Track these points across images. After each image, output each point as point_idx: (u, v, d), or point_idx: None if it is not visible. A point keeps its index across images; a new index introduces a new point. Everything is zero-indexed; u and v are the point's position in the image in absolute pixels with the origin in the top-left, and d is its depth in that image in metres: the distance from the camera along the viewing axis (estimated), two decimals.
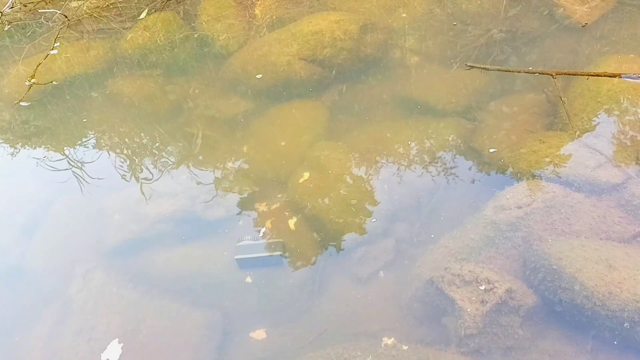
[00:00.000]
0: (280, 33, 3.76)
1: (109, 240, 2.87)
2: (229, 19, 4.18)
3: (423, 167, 3.00)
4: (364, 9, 3.99)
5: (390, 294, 2.53)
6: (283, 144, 3.27)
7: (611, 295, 1.99)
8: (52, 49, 3.99)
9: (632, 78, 2.77)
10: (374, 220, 2.76)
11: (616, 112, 2.77)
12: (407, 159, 3.06)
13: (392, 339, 2.28)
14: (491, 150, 2.88)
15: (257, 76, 3.57)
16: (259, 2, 4.17)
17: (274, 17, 4.09)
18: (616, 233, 2.31)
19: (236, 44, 3.97)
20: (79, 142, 3.66)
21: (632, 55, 3.17)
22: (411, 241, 2.69)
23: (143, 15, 4.20)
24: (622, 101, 2.80)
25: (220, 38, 4.02)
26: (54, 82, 3.82)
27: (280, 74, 3.57)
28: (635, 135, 2.67)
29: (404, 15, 3.87)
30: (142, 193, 3.12)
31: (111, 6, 4.41)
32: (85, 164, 3.46)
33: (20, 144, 3.71)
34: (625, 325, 1.98)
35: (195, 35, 4.14)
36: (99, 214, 3.04)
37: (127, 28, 4.22)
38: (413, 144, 3.13)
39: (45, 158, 3.53)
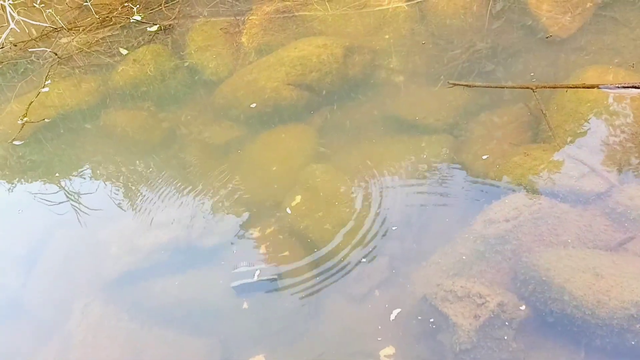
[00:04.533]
0: (267, 59, 3.83)
1: (106, 273, 2.91)
2: (217, 47, 4.27)
3: (412, 184, 3.05)
4: (348, 32, 4.07)
5: (386, 312, 2.57)
6: (274, 168, 3.32)
7: (600, 304, 2.03)
8: (43, 87, 4.06)
9: (610, 88, 2.85)
10: (367, 239, 2.80)
11: (597, 123, 2.84)
12: (396, 177, 3.12)
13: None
14: (484, 157, 2.93)
15: (251, 105, 3.63)
16: (245, 31, 4.26)
17: (261, 43, 4.18)
18: (602, 241, 2.36)
19: (225, 71, 4.04)
20: (74, 175, 3.70)
21: (610, 66, 3.25)
22: (404, 259, 2.73)
23: (124, 52, 4.28)
24: (602, 111, 2.87)
25: (209, 66, 4.10)
26: (46, 120, 3.88)
27: (269, 99, 3.63)
28: (616, 144, 2.74)
29: (387, 36, 3.96)
30: (138, 224, 3.16)
31: (101, 41, 4.50)
32: (80, 197, 3.50)
33: (16, 179, 3.75)
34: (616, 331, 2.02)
35: (185, 64, 4.22)
36: (95, 247, 3.08)
37: (117, 61, 4.30)
38: (401, 162, 3.19)
39: (41, 192, 3.58)
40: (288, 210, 2.96)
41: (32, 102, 3.91)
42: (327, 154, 3.36)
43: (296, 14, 4.35)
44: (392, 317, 2.47)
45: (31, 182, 3.71)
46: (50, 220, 3.39)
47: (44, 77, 4.15)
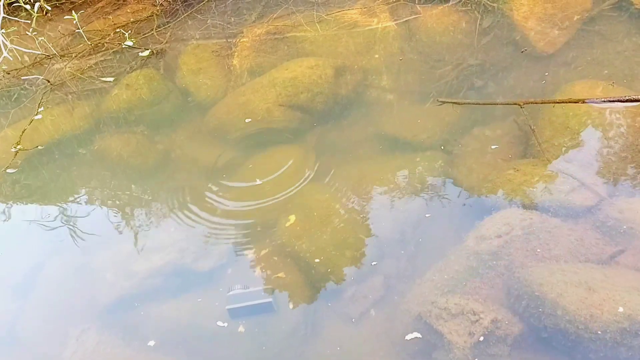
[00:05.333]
0: (258, 81, 3.88)
1: (101, 300, 2.90)
2: (209, 70, 4.31)
3: (405, 202, 3.07)
4: (339, 52, 4.13)
5: (382, 332, 2.56)
6: (268, 188, 3.33)
7: (592, 318, 2.04)
8: (35, 114, 4.08)
9: (596, 102, 2.89)
10: (362, 258, 2.81)
11: (585, 137, 2.87)
12: (389, 195, 3.14)
13: None
14: (474, 172, 2.96)
15: (246, 120, 3.65)
16: (236, 53, 4.31)
17: (253, 65, 4.22)
18: (594, 255, 2.37)
19: (218, 93, 4.08)
20: (69, 200, 3.71)
21: (597, 80, 3.29)
22: (399, 277, 2.74)
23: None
24: (590, 125, 2.90)
25: (202, 88, 4.14)
26: (39, 147, 3.90)
27: (262, 120, 3.66)
28: (605, 158, 2.77)
29: (377, 55, 4.01)
30: (133, 249, 3.17)
31: (93, 66, 4.54)
32: (76, 222, 3.50)
33: (10, 206, 3.75)
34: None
35: (178, 88, 4.25)
36: (90, 274, 3.07)
37: (110, 86, 4.34)
38: (394, 180, 3.21)
39: (35, 219, 3.58)
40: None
41: (25, 130, 3.94)
42: (320, 173, 3.38)
43: (287, 35, 4.41)
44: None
45: (25, 208, 3.72)
46: (45, 247, 3.39)
47: (37, 104, 4.18)
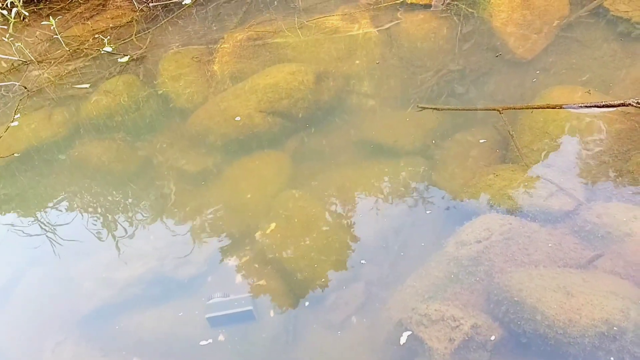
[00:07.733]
0: (239, 87, 3.85)
1: (79, 310, 2.85)
2: (190, 76, 4.28)
3: (387, 208, 3.07)
4: (320, 58, 4.12)
5: (363, 339, 2.55)
6: (249, 196, 3.31)
7: (571, 323, 2.05)
8: (12, 121, 4.02)
9: (573, 108, 2.92)
10: (343, 264, 2.80)
11: (564, 142, 2.90)
12: (371, 201, 3.13)
13: None
14: (454, 178, 2.97)
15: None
16: (217, 59, 4.28)
17: (233, 71, 4.20)
18: (572, 259, 2.39)
19: (199, 99, 4.05)
20: (48, 207, 3.65)
21: (574, 86, 3.33)
22: (381, 283, 2.73)
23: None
24: (568, 131, 2.93)
25: (183, 94, 4.11)
26: (15, 154, 3.84)
27: (242, 127, 3.64)
28: (583, 163, 2.80)
29: (358, 62, 4.01)
30: (113, 256, 3.12)
31: (72, 72, 4.48)
32: (55, 230, 3.44)
33: None
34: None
35: (159, 93, 4.21)
36: (68, 283, 3.02)
37: (89, 92, 4.28)
38: (375, 186, 3.21)
39: (13, 228, 3.51)
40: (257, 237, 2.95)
41: (0, 137, 3.87)
42: (301, 179, 3.37)
43: (268, 41, 4.39)
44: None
45: (2, 216, 3.65)
46: (23, 255, 3.33)
47: (14, 111, 4.11)
